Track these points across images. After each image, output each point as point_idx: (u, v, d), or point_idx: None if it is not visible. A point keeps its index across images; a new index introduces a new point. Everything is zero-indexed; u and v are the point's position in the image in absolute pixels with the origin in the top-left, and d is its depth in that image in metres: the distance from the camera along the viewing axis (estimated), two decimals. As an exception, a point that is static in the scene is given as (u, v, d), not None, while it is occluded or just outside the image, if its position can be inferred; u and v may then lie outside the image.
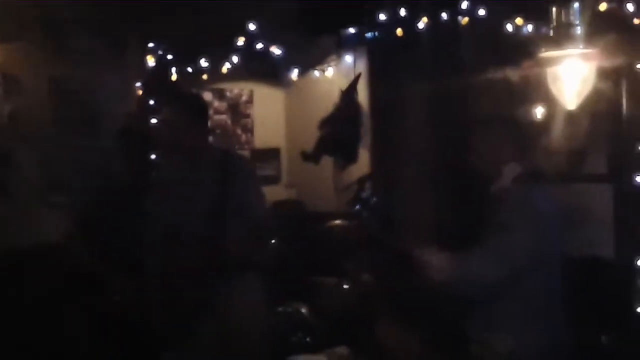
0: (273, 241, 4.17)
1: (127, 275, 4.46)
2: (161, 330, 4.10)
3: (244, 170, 4.35)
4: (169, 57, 6.10)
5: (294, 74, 6.94)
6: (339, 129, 6.10)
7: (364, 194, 3.70)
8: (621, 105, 5.01)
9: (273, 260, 4.30)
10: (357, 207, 3.71)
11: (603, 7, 4.79)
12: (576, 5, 3.97)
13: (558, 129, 5.06)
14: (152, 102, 6.03)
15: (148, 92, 6.08)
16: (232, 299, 4.09)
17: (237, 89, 7.57)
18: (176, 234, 4.08)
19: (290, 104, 7.78)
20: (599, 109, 4.96)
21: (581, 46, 3.97)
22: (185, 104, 4.31)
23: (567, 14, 3.97)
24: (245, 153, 7.50)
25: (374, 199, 3.66)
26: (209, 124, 4.44)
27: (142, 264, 4.19)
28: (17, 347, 5.21)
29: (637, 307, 4.88)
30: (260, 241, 3.98)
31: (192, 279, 4.03)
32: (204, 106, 4.44)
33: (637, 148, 4.93)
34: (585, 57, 3.98)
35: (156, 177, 4.43)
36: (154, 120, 5.97)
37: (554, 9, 4.00)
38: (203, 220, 4.09)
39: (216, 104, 7.44)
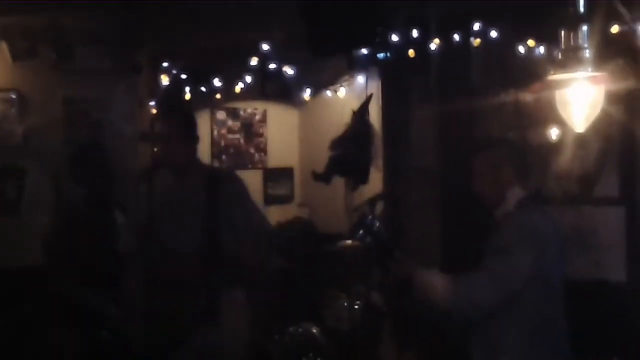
0: (267, 259, 4.18)
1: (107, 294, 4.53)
2: (147, 347, 4.10)
3: (234, 188, 4.33)
4: (183, 76, 6.14)
5: (307, 94, 6.98)
6: (350, 150, 6.09)
7: (367, 220, 3.69)
8: (632, 128, 4.99)
9: (278, 279, 4.31)
10: (360, 232, 3.70)
11: (615, 29, 4.80)
12: (585, 28, 3.95)
13: (567, 152, 5.06)
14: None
15: (162, 112, 6.12)
16: (221, 316, 4.11)
17: (251, 108, 7.60)
18: (163, 249, 4.10)
19: (303, 123, 7.81)
20: (609, 132, 4.95)
21: (590, 69, 3.94)
22: (175, 117, 4.33)
23: (576, 37, 3.95)
24: (259, 172, 7.53)
25: (377, 224, 3.65)
26: (198, 140, 4.41)
27: (123, 281, 4.22)
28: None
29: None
30: (253, 257, 4.03)
31: (178, 296, 4.05)
32: (190, 121, 4.40)
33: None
34: (594, 80, 3.95)
35: (146, 192, 4.45)
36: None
37: (562, 32, 3.98)
38: (189, 236, 4.11)
39: (230, 123, 7.48)
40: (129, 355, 4.23)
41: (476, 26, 5.56)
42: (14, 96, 5.90)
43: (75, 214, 4.92)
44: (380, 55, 5.94)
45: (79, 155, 4.95)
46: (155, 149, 4.72)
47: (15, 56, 5.83)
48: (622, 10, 4.64)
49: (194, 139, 4.31)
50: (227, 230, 4.14)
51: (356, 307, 6.01)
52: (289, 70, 6.24)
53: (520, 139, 4.27)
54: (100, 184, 4.89)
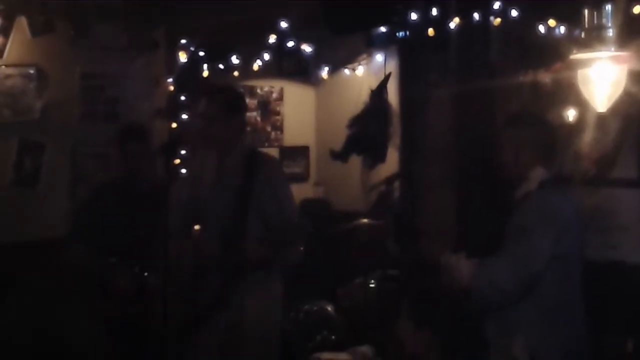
0: (302, 245, 4.18)
1: (133, 270, 4.54)
2: (174, 325, 4.10)
3: (274, 169, 4.37)
4: (201, 53, 6.12)
5: (325, 72, 6.96)
6: (368, 128, 6.07)
7: (388, 201, 3.67)
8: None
9: (299, 260, 4.28)
10: (381, 211, 3.69)
11: (637, 9, 4.75)
12: (608, 7, 3.92)
13: (588, 132, 5.03)
14: (182, 98, 6.06)
15: (179, 88, 6.11)
16: (249, 297, 4.12)
17: (268, 86, 7.58)
18: (195, 226, 4.11)
19: (320, 102, 7.78)
20: (631, 112, 4.91)
21: (613, 49, 3.91)
22: (225, 97, 4.32)
23: (599, 16, 3.92)
24: (275, 150, 7.52)
25: (397, 206, 3.63)
26: (244, 121, 4.44)
27: (153, 258, 4.21)
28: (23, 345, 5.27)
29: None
30: (285, 243, 4.02)
31: (210, 273, 4.07)
32: (242, 101, 4.47)
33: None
34: (616, 59, 3.92)
35: (185, 169, 4.43)
36: (184, 116, 6.02)
37: (585, 11, 3.95)
38: (221, 216, 4.13)
39: (246, 101, 7.45)
40: (152, 332, 4.24)
41: (496, 5, 5.52)
42: (32, 71, 5.88)
43: (116, 189, 4.93)
44: (399, 34, 5.91)
45: (127, 134, 4.96)
46: (197, 127, 4.69)
47: (34, 31, 5.83)
48: None
49: (239, 120, 4.31)
50: (255, 214, 4.13)
51: (371, 285, 6.01)
52: (306, 48, 6.22)
53: (543, 117, 4.21)
54: (144, 162, 4.90)
